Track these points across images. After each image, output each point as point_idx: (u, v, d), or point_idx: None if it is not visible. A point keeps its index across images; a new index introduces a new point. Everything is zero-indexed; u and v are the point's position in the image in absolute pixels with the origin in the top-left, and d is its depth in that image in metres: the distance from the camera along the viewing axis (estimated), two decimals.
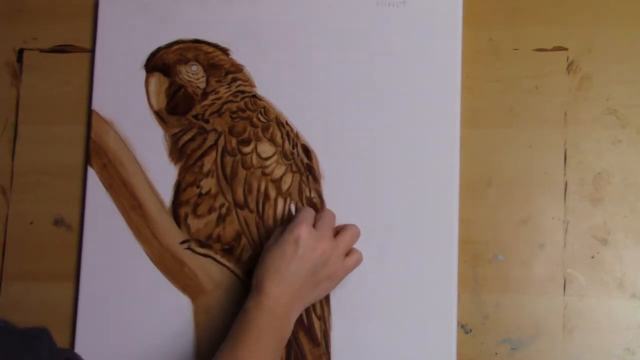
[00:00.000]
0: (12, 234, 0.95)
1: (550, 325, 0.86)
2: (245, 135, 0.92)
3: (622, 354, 0.85)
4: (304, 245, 0.81)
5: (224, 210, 0.91)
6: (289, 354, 0.88)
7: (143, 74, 0.95)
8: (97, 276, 0.92)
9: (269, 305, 0.79)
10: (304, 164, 0.90)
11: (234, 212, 0.91)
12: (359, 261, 0.86)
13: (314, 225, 0.83)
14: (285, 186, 0.91)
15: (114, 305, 0.91)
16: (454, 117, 0.89)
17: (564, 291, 0.86)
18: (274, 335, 0.80)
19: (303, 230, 0.81)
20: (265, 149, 0.91)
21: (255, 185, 0.91)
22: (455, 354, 0.85)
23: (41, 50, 0.98)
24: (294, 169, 0.91)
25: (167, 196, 0.93)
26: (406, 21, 0.91)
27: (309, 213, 0.84)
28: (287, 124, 0.91)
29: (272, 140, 0.91)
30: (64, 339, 0.92)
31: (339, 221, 0.89)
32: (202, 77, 0.94)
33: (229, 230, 0.91)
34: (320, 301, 0.88)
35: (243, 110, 0.92)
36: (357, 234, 0.86)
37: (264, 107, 0.92)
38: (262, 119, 0.92)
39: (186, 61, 0.94)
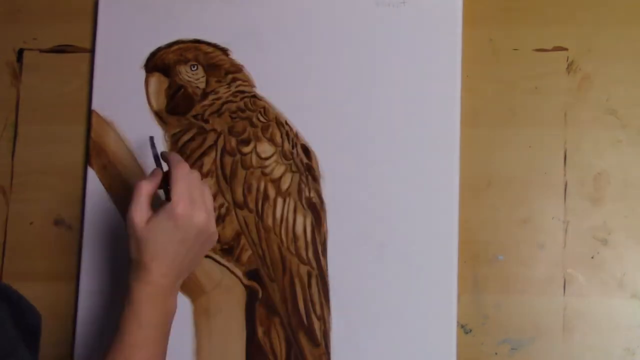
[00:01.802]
0: (12, 234, 0.95)
1: (550, 325, 0.86)
2: (245, 135, 0.92)
3: (622, 354, 0.84)
4: (182, 220, 0.78)
5: (223, 210, 0.91)
6: (289, 354, 0.88)
7: (143, 74, 0.95)
8: (97, 276, 0.92)
9: (156, 288, 0.78)
10: (304, 164, 0.90)
11: (233, 212, 0.91)
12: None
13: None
14: (284, 186, 0.91)
15: (114, 305, 0.91)
16: (454, 117, 0.89)
17: (564, 291, 0.86)
18: (163, 317, 0.80)
19: (180, 205, 0.78)
20: (265, 148, 0.91)
21: (254, 185, 0.91)
22: (455, 354, 0.85)
23: (41, 50, 0.98)
24: (294, 168, 0.91)
25: None
26: (406, 21, 0.91)
27: (180, 183, 0.79)
28: (287, 123, 0.91)
29: (271, 140, 0.91)
30: (64, 339, 0.92)
31: (339, 221, 0.89)
32: (202, 77, 0.94)
33: (229, 230, 0.91)
34: (320, 301, 0.88)
35: (243, 110, 0.92)
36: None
37: (264, 107, 0.92)
38: (261, 119, 0.92)
39: (186, 61, 0.94)
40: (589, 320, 0.85)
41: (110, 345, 0.77)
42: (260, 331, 0.90)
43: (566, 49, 0.90)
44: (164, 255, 0.78)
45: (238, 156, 0.92)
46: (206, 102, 0.93)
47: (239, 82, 0.93)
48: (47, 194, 0.95)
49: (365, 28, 0.91)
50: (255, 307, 0.90)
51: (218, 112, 0.93)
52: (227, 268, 0.91)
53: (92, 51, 0.97)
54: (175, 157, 0.82)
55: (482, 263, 0.88)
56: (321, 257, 0.89)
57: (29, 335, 0.70)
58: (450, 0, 0.90)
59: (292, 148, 0.91)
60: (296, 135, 0.91)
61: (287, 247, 0.90)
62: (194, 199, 0.79)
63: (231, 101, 0.93)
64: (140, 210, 0.79)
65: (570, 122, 0.89)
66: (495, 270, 0.88)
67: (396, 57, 0.90)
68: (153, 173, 0.82)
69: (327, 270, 0.89)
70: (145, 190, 0.80)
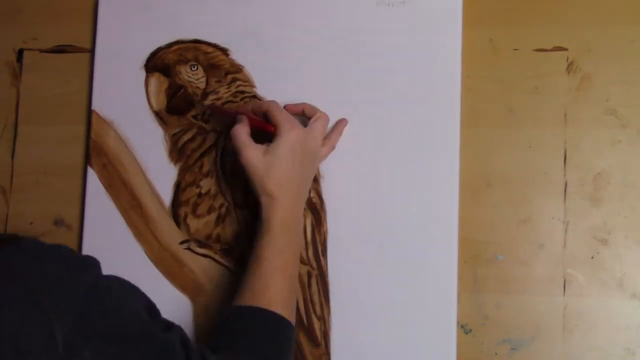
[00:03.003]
0: None
1: (550, 325, 0.86)
2: None
3: (622, 354, 0.84)
4: (298, 143, 0.83)
5: (223, 210, 0.91)
6: None
7: (143, 74, 0.95)
8: None
9: (288, 214, 0.82)
10: None
11: (233, 212, 0.91)
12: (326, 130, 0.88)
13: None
14: None
15: None
16: (454, 117, 0.89)
17: (564, 291, 0.86)
18: (297, 242, 0.84)
19: (294, 131, 0.82)
20: None
21: None
22: (455, 354, 0.85)
23: (41, 50, 0.98)
24: None
25: (166, 196, 0.93)
26: (406, 21, 0.91)
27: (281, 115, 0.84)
28: None
29: None
30: None
31: (339, 221, 0.89)
32: (202, 77, 0.94)
33: (229, 230, 0.91)
34: (320, 301, 0.88)
35: None
36: (326, 120, 0.88)
37: None
38: None
39: (186, 61, 0.94)
40: (589, 320, 0.85)
41: (250, 272, 0.81)
42: None
43: (566, 49, 0.90)
44: (288, 181, 0.82)
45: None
46: (206, 102, 0.93)
47: (239, 82, 0.93)
48: (47, 194, 0.95)
49: (365, 28, 0.91)
50: None
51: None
52: (227, 268, 0.91)
53: (92, 51, 0.97)
54: (257, 102, 0.88)
55: (482, 263, 0.88)
56: (321, 257, 0.89)
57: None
58: (450, 0, 0.90)
59: None
60: None
61: None
62: (298, 124, 0.84)
63: (231, 101, 0.93)
64: (252, 149, 0.82)
65: (570, 122, 0.89)
66: (495, 270, 0.88)
67: (396, 57, 0.90)
68: (239, 119, 0.85)
69: (327, 270, 0.89)
70: (244, 131, 0.83)
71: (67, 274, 0.64)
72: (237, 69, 0.93)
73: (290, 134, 0.82)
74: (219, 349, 0.74)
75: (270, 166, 0.81)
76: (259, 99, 0.92)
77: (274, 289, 0.79)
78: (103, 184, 0.94)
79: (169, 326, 0.71)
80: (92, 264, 0.68)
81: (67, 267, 0.65)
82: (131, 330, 0.66)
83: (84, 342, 0.63)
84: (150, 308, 0.71)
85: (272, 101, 0.86)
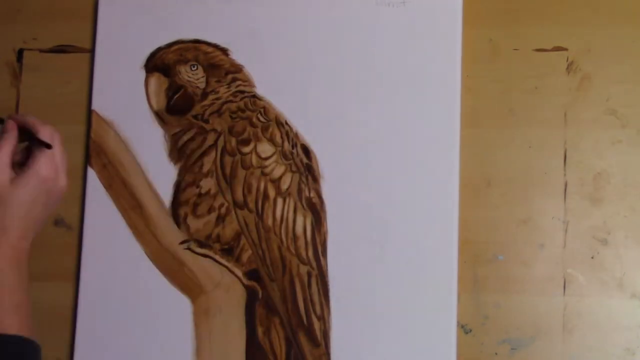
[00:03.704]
0: None
1: (550, 325, 0.86)
2: (245, 135, 0.92)
3: (622, 354, 0.84)
4: (48, 183, 0.77)
5: (223, 210, 0.91)
6: (288, 354, 0.88)
7: (143, 74, 0.95)
8: (97, 276, 0.92)
9: (18, 251, 0.75)
10: (304, 164, 0.91)
11: (233, 212, 0.91)
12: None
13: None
14: (284, 186, 0.91)
15: (114, 305, 0.91)
16: (454, 117, 0.89)
17: (564, 291, 0.86)
18: (26, 279, 0.76)
19: (46, 168, 0.76)
20: (265, 148, 0.91)
21: (254, 185, 0.91)
22: (455, 354, 0.85)
23: (41, 50, 0.98)
24: (294, 168, 0.91)
25: (166, 196, 0.93)
26: (406, 21, 0.91)
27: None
28: (287, 123, 0.91)
29: (271, 140, 0.91)
30: (64, 339, 0.92)
31: (339, 221, 0.89)
32: (202, 77, 0.94)
33: (229, 230, 0.91)
34: (320, 301, 0.88)
35: (243, 110, 0.92)
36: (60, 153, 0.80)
37: (264, 107, 0.92)
38: (261, 118, 0.92)
39: (186, 61, 0.94)
40: (589, 320, 0.86)
41: None
42: (260, 331, 0.90)
43: (566, 49, 0.90)
44: (26, 218, 0.75)
45: (238, 156, 0.92)
46: (206, 102, 0.93)
47: (239, 82, 0.93)
48: None
49: (365, 28, 0.91)
50: (255, 307, 0.90)
51: (218, 112, 0.93)
52: (227, 268, 0.91)
53: (92, 51, 0.97)
54: (36, 120, 0.79)
55: (482, 263, 0.88)
56: (321, 257, 0.89)
57: None
58: (450, 0, 0.90)
59: (292, 148, 0.91)
60: (296, 135, 0.91)
61: (287, 247, 0.90)
62: (57, 162, 0.78)
63: (231, 101, 0.93)
64: (1, 171, 0.75)
65: (570, 122, 0.89)
66: (495, 270, 0.88)
67: (396, 57, 0.90)
68: (5, 131, 0.78)
69: (327, 270, 0.89)
70: (3, 150, 0.76)
71: None
72: (237, 68, 0.93)
73: (41, 170, 0.76)
74: None
75: (12, 198, 0.74)
76: (259, 98, 0.92)
77: (11, 329, 0.72)
78: (103, 184, 0.94)
79: None
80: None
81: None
82: None
83: None
84: None
85: (46, 127, 0.78)
